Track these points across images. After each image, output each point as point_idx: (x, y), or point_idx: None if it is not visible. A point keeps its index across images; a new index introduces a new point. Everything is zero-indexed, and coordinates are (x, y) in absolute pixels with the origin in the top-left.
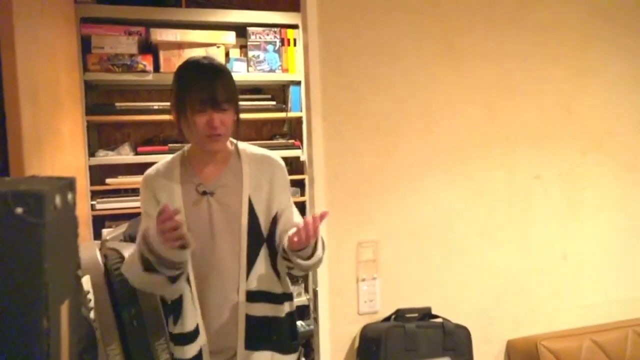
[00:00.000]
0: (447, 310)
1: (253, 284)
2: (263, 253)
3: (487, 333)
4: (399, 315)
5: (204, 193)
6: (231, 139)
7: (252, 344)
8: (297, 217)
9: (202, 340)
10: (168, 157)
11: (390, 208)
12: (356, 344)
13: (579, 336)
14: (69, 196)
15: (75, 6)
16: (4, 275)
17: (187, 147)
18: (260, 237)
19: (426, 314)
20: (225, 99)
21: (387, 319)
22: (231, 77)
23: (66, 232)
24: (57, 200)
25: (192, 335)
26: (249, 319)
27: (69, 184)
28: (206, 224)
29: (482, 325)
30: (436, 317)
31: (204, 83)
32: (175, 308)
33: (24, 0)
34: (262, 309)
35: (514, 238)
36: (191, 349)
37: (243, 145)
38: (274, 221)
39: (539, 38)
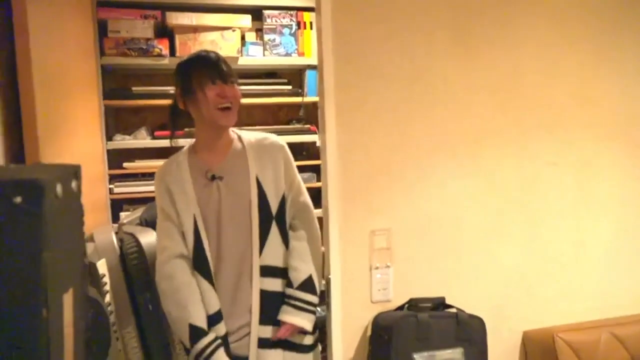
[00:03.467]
0: (462, 300)
1: (266, 260)
2: (274, 229)
3: (502, 324)
4: (412, 304)
5: (213, 178)
6: (231, 128)
7: (266, 318)
8: (303, 195)
9: (222, 327)
10: (178, 152)
11: (403, 196)
12: (369, 332)
13: (597, 329)
14: (73, 184)
15: None
16: (3, 265)
17: (192, 140)
18: (270, 215)
19: (440, 304)
20: (230, 73)
21: (400, 308)
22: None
23: (70, 220)
24: (58, 189)
25: (215, 319)
26: (263, 293)
27: (73, 172)
28: (216, 208)
29: (497, 316)
30: (450, 307)
31: (208, 60)
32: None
33: None
34: (275, 284)
35: (529, 228)
36: (220, 329)
37: (240, 132)
38: (283, 200)
39: (555, 23)
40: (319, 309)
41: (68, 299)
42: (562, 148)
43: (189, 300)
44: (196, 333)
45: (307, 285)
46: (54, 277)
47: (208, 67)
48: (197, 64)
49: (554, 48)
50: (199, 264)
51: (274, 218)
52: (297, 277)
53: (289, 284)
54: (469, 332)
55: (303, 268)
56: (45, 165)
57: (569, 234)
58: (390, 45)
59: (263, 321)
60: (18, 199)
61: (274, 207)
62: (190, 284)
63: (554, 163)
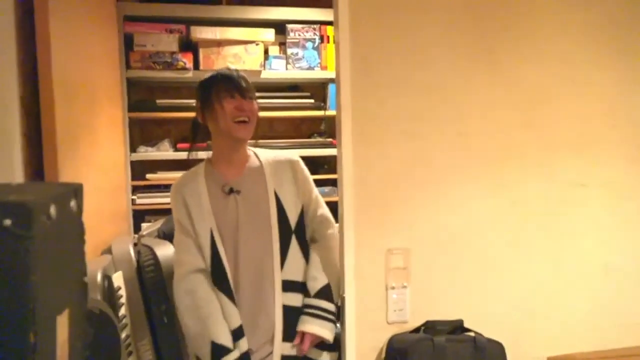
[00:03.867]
0: (481, 323)
1: (287, 274)
2: (294, 243)
3: (523, 349)
4: (429, 327)
5: (230, 191)
6: (248, 147)
7: (289, 335)
8: (322, 208)
9: (244, 343)
10: (193, 168)
11: (421, 215)
12: (383, 354)
13: (626, 358)
14: (72, 203)
15: (118, 4)
16: None
17: (209, 154)
18: (289, 229)
19: (457, 327)
20: (249, 89)
21: (416, 330)
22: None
23: (67, 240)
24: (52, 210)
25: (240, 332)
26: (285, 309)
27: (72, 191)
28: (233, 222)
29: (518, 341)
30: (468, 330)
31: (228, 76)
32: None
33: (60, 2)
34: (297, 299)
35: (551, 250)
36: (242, 345)
37: (256, 149)
38: (302, 214)
39: (584, 39)
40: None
41: (62, 320)
42: (590, 168)
43: (210, 316)
44: (218, 351)
45: (324, 293)
46: (44, 299)
47: (227, 81)
48: (217, 79)
49: (583, 65)
50: (218, 278)
51: (293, 232)
52: (314, 285)
53: (306, 293)
54: (487, 357)
55: (320, 277)
56: (42, 184)
57: (595, 257)
58: (410, 60)
59: (286, 338)
60: (7, 222)
61: (292, 221)
62: (211, 299)
63: (582, 184)
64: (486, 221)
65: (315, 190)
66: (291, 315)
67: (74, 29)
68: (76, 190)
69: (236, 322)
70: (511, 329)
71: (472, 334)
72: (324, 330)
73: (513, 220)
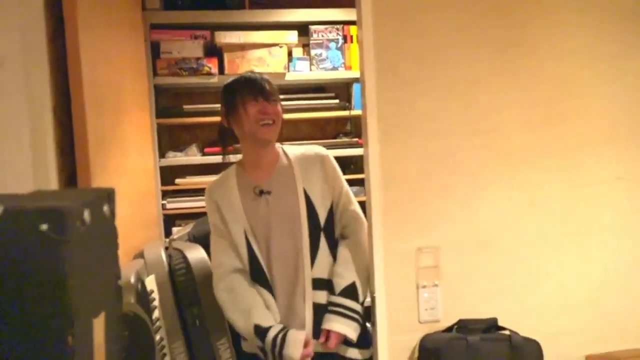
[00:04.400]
0: (515, 322)
1: (316, 272)
2: (322, 241)
3: (561, 348)
4: (461, 326)
5: (261, 193)
6: (277, 144)
7: (318, 332)
8: (353, 204)
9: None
10: (225, 170)
11: (450, 213)
12: (416, 354)
13: None
14: (105, 208)
15: (144, 13)
16: (28, 293)
17: (239, 157)
18: (319, 227)
19: (491, 326)
20: (273, 92)
21: (449, 329)
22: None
23: (101, 244)
24: (86, 215)
25: None
26: (315, 307)
27: (105, 196)
28: (265, 222)
29: (555, 340)
30: (503, 329)
31: (251, 80)
32: None
33: (89, 13)
34: (324, 297)
35: (588, 245)
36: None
37: (285, 147)
38: (331, 211)
39: (610, 32)
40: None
41: (99, 323)
42: (619, 163)
43: (252, 305)
44: (261, 330)
45: (349, 291)
46: (81, 302)
47: (250, 85)
48: (240, 84)
49: (605, 58)
50: (256, 275)
51: (322, 229)
52: (340, 283)
53: (331, 291)
54: (524, 356)
55: (347, 275)
56: (77, 190)
57: (635, 251)
58: (433, 58)
59: (315, 335)
60: (44, 227)
61: (322, 218)
62: (251, 294)
63: (618, 177)
64: (516, 218)
65: (346, 186)
66: (319, 313)
67: (103, 39)
68: (109, 195)
69: (277, 317)
70: (547, 326)
71: (507, 332)
72: (348, 329)
73: (546, 215)
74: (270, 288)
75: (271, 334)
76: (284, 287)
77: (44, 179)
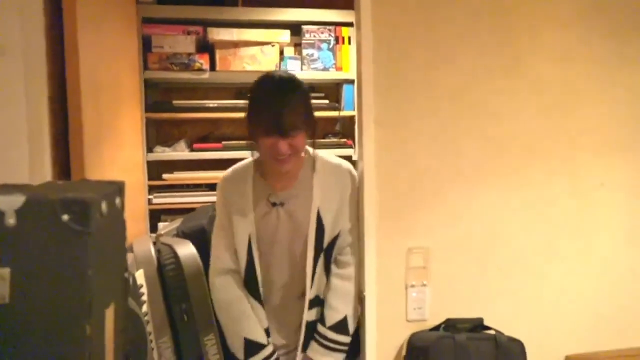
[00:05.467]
0: (500, 323)
1: (312, 293)
2: (320, 261)
3: (543, 348)
4: (449, 325)
5: (274, 204)
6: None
7: (307, 345)
8: (354, 234)
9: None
10: (243, 162)
11: (442, 215)
12: (403, 352)
13: None
14: (117, 200)
15: (137, 7)
16: (49, 282)
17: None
18: (321, 248)
19: (477, 325)
20: (292, 126)
21: (436, 328)
22: (303, 97)
23: (113, 237)
24: (104, 206)
25: (267, 332)
26: (308, 324)
27: (117, 189)
28: (271, 233)
29: (538, 340)
30: (488, 328)
31: (272, 109)
32: None
33: (87, 4)
34: (315, 314)
35: (575, 250)
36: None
37: (318, 153)
38: (336, 236)
39: (609, 39)
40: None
41: (110, 314)
42: (618, 170)
43: (243, 314)
44: (252, 347)
45: (341, 326)
46: (97, 293)
47: (269, 117)
48: (260, 108)
49: (608, 65)
50: (249, 284)
51: (323, 251)
52: (332, 316)
53: (321, 319)
54: (509, 355)
55: (341, 309)
56: (91, 182)
57: (618, 256)
58: (433, 60)
59: (304, 349)
60: (65, 217)
61: (327, 241)
62: (242, 298)
63: (603, 184)
64: (506, 221)
65: (356, 213)
66: (311, 329)
67: (100, 31)
68: (120, 188)
69: (264, 324)
70: (530, 327)
71: (492, 332)
72: None
73: (534, 220)
74: (259, 297)
75: (262, 355)
76: (277, 299)
77: (40, 171)
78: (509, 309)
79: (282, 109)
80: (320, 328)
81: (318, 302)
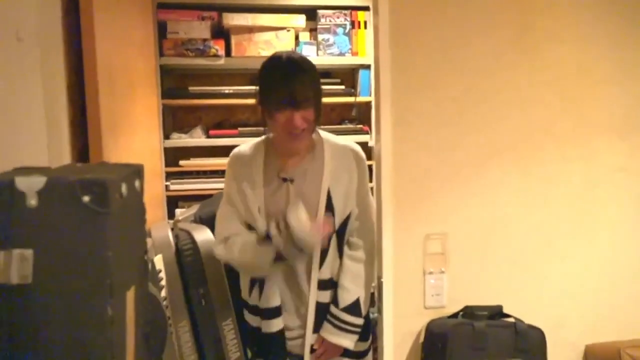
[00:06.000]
0: (520, 310)
1: (325, 274)
2: (333, 243)
3: (563, 336)
4: (467, 312)
5: (284, 180)
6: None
7: (318, 328)
8: (370, 214)
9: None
10: (255, 140)
11: (460, 200)
12: (421, 339)
13: None
14: (137, 183)
15: None
16: (70, 263)
17: (272, 134)
18: (332, 229)
19: (497, 313)
20: (304, 98)
21: (455, 315)
22: (314, 74)
23: (133, 219)
24: (123, 188)
25: (278, 311)
26: (318, 305)
27: (137, 171)
28: (281, 209)
29: (558, 328)
30: (508, 316)
31: (283, 83)
32: (260, 284)
33: None
34: (327, 296)
35: (593, 235)
36: (277, 323)
37: (326, 135)
38: (348, 217)
39: (625, 20)
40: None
41: (130, 297)
42: (632, 154)
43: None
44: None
45: (353, 308)
46: (118, 275)
47: (282, 91)
48: (272, 83)
49: (625, 47)
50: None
51: (335, 231)
52: (345, 297)
53: (335, 301)
54: (528, 343)
55: (353, 290)
56: (110, 164)
57: (637, 242)
58: (449, 44)
59: (315, 330)
60: (86, 199)
61: (337, 223)
62: (248, 233)
63: (622, 169)
64: (524, 206)
65: (370, 194)
66: (322, 311)
67: (115, 18)
68: (139, 171)
69: (277, 301)
70: (551, 315)
71: (512, 319)
72: (347, 341)
73: (554, 205)
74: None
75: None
76: (290, 281)
77: (58, 155)
78: (528, 297)
79: (294, 81)
80: (333, 309)
81: (332, 285)
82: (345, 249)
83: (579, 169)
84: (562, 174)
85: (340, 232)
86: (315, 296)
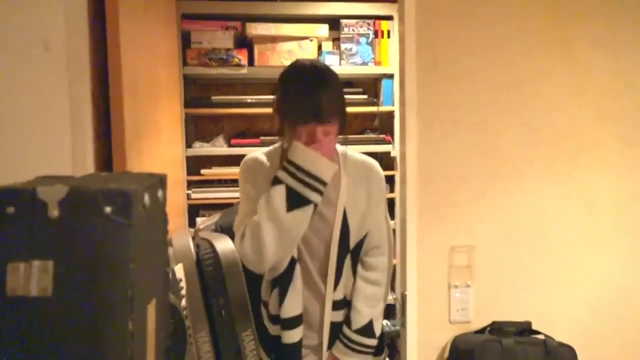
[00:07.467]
0: (549, 326)
1: (337, 294)
2: (347, 262)
3: (595, 354)
4: (495, 328)
5: None
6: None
7: (331, 345)
8: (385, 234)
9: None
10: (269, 148)
11: (486, 211)
12: (446, 354)
13: None
14: (159, 193)
15: (177, 3)
16: (91, 276)
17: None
18: (347, 250)
19: (525, 329)
20: (329, 112)
21: (481, 331)
22: (339, 85)
23: (155, 230)
24: (146, 198)
25: (299, 320)
26: (333, 325)
27: (159, 181)
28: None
29: (590, 346)
30: (537, 332)
31: (309, 95)
32: (281, 292)
33: (129, 1)
34: (341, 315)
35: (625, 248)
36: (298, 332)
37: (343, 150)
38: (364, 237)
39: None
40: (388, 322)
41: (151, 310)
42: None
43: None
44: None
45: (367, 330)
46: (139, 288)
47: (305, 102)
48: (296, 95)
49: None
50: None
51: (349, 252)
52: (358, 320)
53: (347, 321)
54: None
55: (367, 312)
56: (133, 174)
57: None
58: (477, 52)
59: (329, 347)
60: (108, 209)
61: (352, 243)
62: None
63: None
64: (555, 217)
65: (387, 215)
66: (335, 330)
67: (141, 27)
68: (162, 181)
69: (298, 310)
70: (583, 331)
71: (541, 336)
72: None
73: (584, 216)
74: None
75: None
76: (304, 300)
77: (82, 164)
78: (559, 312)
79: (320, 94)
80: (345, 330)
81: (345, 304)
82: (359, 268)
83: (613, 179)
84: (592, 186)
85: (355, 252)
86: (329, 316)
